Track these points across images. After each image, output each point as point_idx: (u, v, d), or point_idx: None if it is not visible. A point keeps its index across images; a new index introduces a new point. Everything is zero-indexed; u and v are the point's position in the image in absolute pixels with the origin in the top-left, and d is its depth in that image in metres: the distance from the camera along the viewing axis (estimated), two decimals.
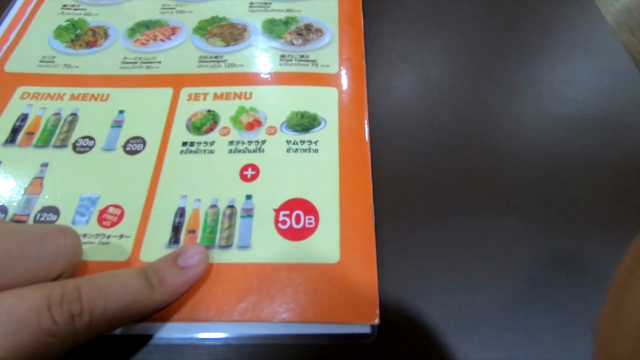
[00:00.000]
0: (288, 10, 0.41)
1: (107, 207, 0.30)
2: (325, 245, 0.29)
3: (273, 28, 0.40)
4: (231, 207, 0.31)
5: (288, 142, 0.33)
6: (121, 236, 0.29)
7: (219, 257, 0.29)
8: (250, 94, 0.36)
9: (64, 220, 0.30)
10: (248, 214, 0.30)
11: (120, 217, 0.30)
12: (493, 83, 0.38)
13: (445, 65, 0.39)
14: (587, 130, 0.36)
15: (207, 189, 0.31)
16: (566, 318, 0.27)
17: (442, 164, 0.34)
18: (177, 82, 0.37)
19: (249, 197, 0.31)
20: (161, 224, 0.30)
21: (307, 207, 0.30)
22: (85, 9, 0.42)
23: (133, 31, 0.40)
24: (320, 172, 0.32)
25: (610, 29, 0.42)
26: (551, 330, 0.27)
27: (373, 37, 0.41)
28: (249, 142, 0.33)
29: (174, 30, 0.40)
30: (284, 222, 0.30)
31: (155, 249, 0.29)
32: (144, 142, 0.33)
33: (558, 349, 0.26)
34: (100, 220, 0.30)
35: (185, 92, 0.36)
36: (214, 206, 0.31)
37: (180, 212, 0.30)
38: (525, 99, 0.38)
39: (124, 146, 0.33)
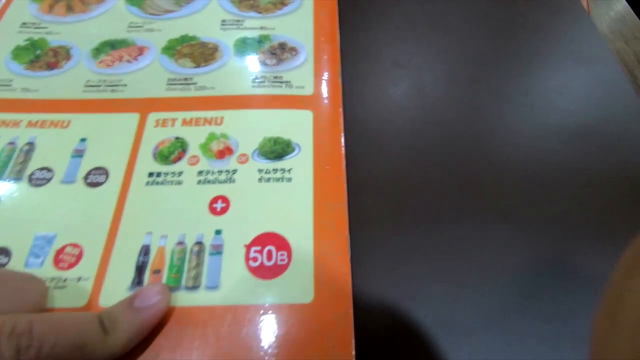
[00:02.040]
0: (262, 28, 0.40)
1: (64, 247, 0.28)
2: (298, 283, 0.27)
3: (246, 47, 0.38)
4: (199, 243, 0.29)
5: (260, 170, 0.32)
6: (79, 279, 0.27)
7: (186, 299, 0.27)
8: (221, 119, 0.34)
9: (16, 262, 0.28)
10: (217, 250, 0.28)
11: (79, 257, 0.28)
12: (480, 94, 0.37)
13: (426, 82, 0.38)
14: (577, 138, 0.35)
15: (174, 224, 0.29)
16: (555, 327, 0.27)
17: (424, 189, 0.33)
18: (143, 106, 0.35)
19: (218, 232, 0.29)
20: (124, 264, 0.28)
21: (280, 242, 0.29)
22: (46, 27, 0.40)
23: (97, 51, 0.38)
24: (293, 203, 0.30)
25: (602, 38, 0.42)
26: (541, 339, 0.27)
27: (350, 53, 0.39)
28: (219, 171, 0.32)
29: (141, 51, 0.38)
30: (255, 259, 0.28)
31: (116, 291, 0.27)
32: (106, 173, 0.31)
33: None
34: (57, 261, 0.28)
35: (152, 117, 0.34)
36: (181, 243, 0.29)
37: (145, 251, 0.28)
38: (515, 108, 0.36)
39: (85, 178, 0.31)
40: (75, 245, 0.28)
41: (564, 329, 0.27)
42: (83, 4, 0.42)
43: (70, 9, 0.41)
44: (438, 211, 0.32)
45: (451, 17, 0.43)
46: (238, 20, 0.40)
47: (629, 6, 0.43)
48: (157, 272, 0.28)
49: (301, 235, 0.29)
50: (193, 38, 0.39)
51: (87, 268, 0.28)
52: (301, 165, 0.32)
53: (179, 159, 0.32)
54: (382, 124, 0.36)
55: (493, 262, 0.30)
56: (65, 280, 0.27)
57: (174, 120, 0.34)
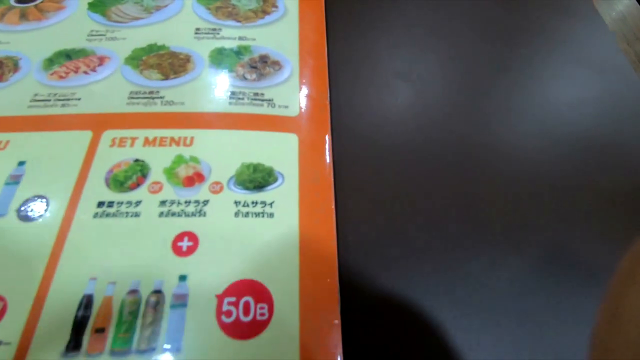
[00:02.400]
0: (241, 38, 0.35)
1: None
2: (281, 344, 0.22)
3: (222, 59, 0.34)
4: (158, 292, 0.23)
5: (237, 203, 0.26)
6: None
7: None
8: (192, 139, 0.29)
9: None
10: (181, 302, 0.23)
11: (1, 313, 0.22)
12: (483, 106, 0.33)
13: (426, 97, 0.34)
14: (574, 150, 0.32)
15: (127, 268, 0.24)
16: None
17: (425, 223, 0.28)
18: (98, 123, 0.29)
19: (183, 278, 0.24)
20: (58, 321, 0.22)
21: (259, 292, 0.23)
22: None
23: (50, 62, 0.33)
24: (276, 244, 0.25)
25: (614, 41, 0.39)
26: (534, 325, 0.25)
27: (339, 67, 0.35)
28: (186, 202, 0.26)
29: (101, 61, 0.33)
30: (228, 314, 0.23)
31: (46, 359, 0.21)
32: (46, 204, 0.26)
33: None
34: None
35: (107, 135, 0.29)
36: (133, 292, 0.23)
37: (87, 302, 0.23)
38: (523, 116, 0.33)
39: (18, 210, 0.25)
40: None
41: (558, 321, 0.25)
42: (39, 11, 0.37)
43: (24, 16, 0.36)
44: (441, 245, 0.27)
45: (450, 22, 0.39)
46: (214, 29, 0.36)
47: (630, 5, 0.41)
48: (100, 331, 0.22)
49: (285, 284, 0.24)
50: (162, 47, 0.34)
51: (9, 328, 0.22)
52: (285, 198, 0.27)
53: (137, 185, 0.27)
54: (376, 149, 0.31)
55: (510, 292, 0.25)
56: None
57: (133, 139, 0.29)
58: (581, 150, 0.33)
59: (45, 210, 0.25)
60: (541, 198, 0.30)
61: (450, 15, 0.40)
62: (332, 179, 0.28)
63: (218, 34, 0.35)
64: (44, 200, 0.26)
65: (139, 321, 0.22)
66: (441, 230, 0.28)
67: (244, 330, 0.22)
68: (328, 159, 0.29)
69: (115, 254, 0.24)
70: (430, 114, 0.34)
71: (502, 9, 0.41)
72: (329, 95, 0.33)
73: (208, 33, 0.35)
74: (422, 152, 0.31)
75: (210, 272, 0.24)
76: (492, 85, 0.36)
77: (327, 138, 0.30)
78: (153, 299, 0.23)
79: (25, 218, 0.25)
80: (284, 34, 0.36)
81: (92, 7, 0.37)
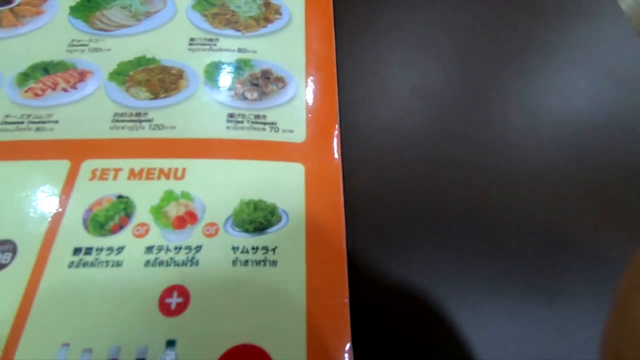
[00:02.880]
0: (240, 50, 0.31)
1: None
2: None
3: (219, 75, 0.30)
4: None
5: (235, 249, 0.23)
6: None
7: None
8: (183, 171, 0.25)
9: None
10: None
11: None
12: (494, 116, 0.30)
13: (444, 115, 0.30)
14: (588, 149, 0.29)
15: (105, 331, 0.20)
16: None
17: (446, 263, 0.25)
18: (77, 151, 0.26)
19: (171, 343, 0.20)
20: None
21: None
22: None
23: (25, 77, 0.29)
24: (279, 299, 0.22)
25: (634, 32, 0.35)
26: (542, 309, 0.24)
27: (349, 87, 0.31)
28: (176, 248, 0.23)
29: (82, 76, 0.29)
30: None
31: None
32: (13, 250, 0.22)
33: None
34: None
35: (87, 166, 0.25)
36: None
37: None
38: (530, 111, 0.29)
39: None
40: None
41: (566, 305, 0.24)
42: (15, 16, 0.33)
43: None
44: (461, 285, 0.24)
45: (466, 27, 0.35)
46: (210, 40, 0.32)
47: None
48: None
49: (290, 349, 0.20)
50: (151, 60, 0.30)
51: None
52: (290, 242, 0.23)
53: (120, 227, 0.23)
54: (392, 180, 0.28)
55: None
56: None
57: (117, 171, 0.25)
58: (608, 154, 0.29)
59: (13, 259, 0.22)
60: (559, 196, 0.27)
61: (466, 20, 0.36)
62: (344, 219, 0.25)
63: (215, 45, 0.31)
64: (12, 245, 0.22)
65: None
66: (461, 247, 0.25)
67: None
68: (339, 191, 0.26)
69: (93, 313, 0.21)
70: (451, 137, 0.30)
71: (519, 14, 0.37)
72: (338, 117, 0.29)
73: (204, 44, 0.31)
74: (441, 188, 0.28)
75: (203, 336, 0.20)
76: (505, 87, 0.32)
77: (339, 165, 0.27)
78: None
79: None
80: (288, 45, 0.32)
81: (73, 12, 0.33)
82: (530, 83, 0.33)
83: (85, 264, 0.22)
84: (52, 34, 0.32)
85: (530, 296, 0.24)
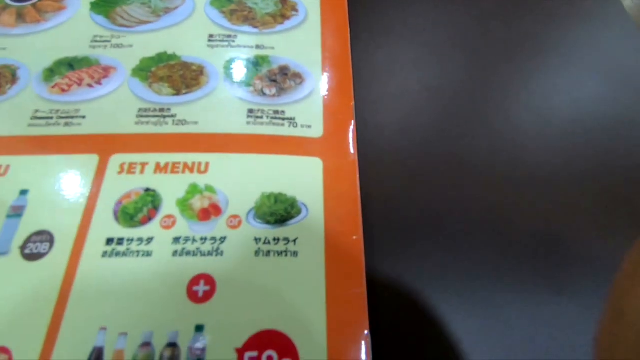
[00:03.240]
0: (258, 47, 0.32)
1: None
2: None
3: (238, 71, 0.31)
4: (173, 346, 0.21)
5: (257, 240, 0.24)
6: None
7: None
8: (206, 165, 0.27)
9: None
10: (198, 356, 0.21)
11: None
12: (513, 118, 0.31)
13: (460, 109, 0.31)
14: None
15: (139, 317, 0.22)
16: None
17: (467, 261, 0.26)
18: (105, 146, 0.27)
19: (199, 328, 0.22)
20: None
21: (283, 345, 0.21)
22: None
23: (51, 72, 0.30)
24: (301, 288, 0.23)
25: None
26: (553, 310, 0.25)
27: (364, 84, 0.32)
28: (202, 239, 0.24)
29: (106, 72, 0.30)
30: None
31: None
32: (51, 240, 0.24)
33: None
34: None
35: (115, 160, 0.27)
36: (146, 345, 0.21)
37: (97, 355, 0.21)
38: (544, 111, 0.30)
39: (23, 247, 0.23)
40: (2, 350, 0.21)
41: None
42: (38, 11, 0.34)
43: (21, 17, 0.33)
44: (487, 285, 0.25)
45: (479, 29, 0.36)
46: (229, 36, 0.33)
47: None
48: None
49: (311, 337, 0.22)
50: (172, 57, 0.31)
51: None
52: (310, 233, 0.24)
53: (148, 219, 0.25)
54: (409, 173, 0.29)
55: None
56: None
57: (144, 165, 0.26)
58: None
59: (51, 248, 0.23)
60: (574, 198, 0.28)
61: (479, 19, 0.37)
62: (361, 211, 0.26)
63: (233, 41, 0.32)
64: (49, 236, 0.24)
65: None
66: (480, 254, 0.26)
67: None
68: (356, 185, 0.27)
69: (127, 299, 0.22)
70: (470, 132, 0.31)
71: (530, 14, 0.37)
72: (354, 112, 0.30)
73: (223, 40, 0.32)
74: (456, 184, 0.29)
75: (229, 322, 0.22)
76: (521, 87, 0.33)
77: (355, 160, 0.28)
78: (167, 353, 0.21)
79: (29, 257, 0.23)
80: (305, 42, 0.33)
81: (95, 7, 0.34)
82: (546, 82, 0.34)
83: (117, 254, 0.23)
84: (74, 29, 0.33)
85: (547, 294, 0.25)
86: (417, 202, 0.28)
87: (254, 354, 0.21)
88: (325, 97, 0.30)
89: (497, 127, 0.31)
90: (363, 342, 0.22)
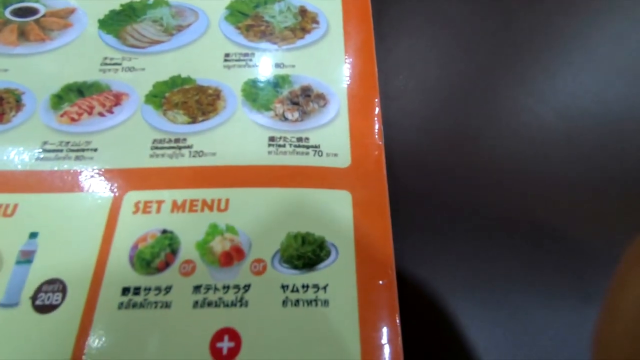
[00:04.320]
0: (277, 65, 0.30)
1: None
2: None
3: (258, 93, 0.29)
4: None
5: (284, 287, 0.22)
6: None
7: None
8: (227, 202, 0.25)
9: None
10: None
11: None
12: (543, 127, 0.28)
13: (493, 141, 0.29)
14: None
15: None
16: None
17: (503, 265, 0.24)
18: (119, 182, 0.25)
19: None
20: None
21: None
22: None
23: (59, 99, 0.29)
24: (332, 341, 0.21)
25: None
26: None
27: (392, 101, 0.30)
28: (224, 287, 0.22)
29: (118, 99, 0.29)
30: None
31: None
32: (63, 290, 0.22)
33: None
34: None
35: (130, 199, 0.25)
36: None
37: None
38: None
39: (34, 298, 0.22)
40: None
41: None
42: (42, 29, 0.32)
43: (23, 35, 0.32)
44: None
45: (514, 38, 0.33)
46: (246, 54, 0.30)
47: None
48: None
49: None
50: (187, 80, 0.29)
51: None
52: (341, 279, 0.22)
53: (166, 265, 0.23)
54: (444, 205, 0.26)
55: None
56: None
57: (160, 203, 0.25)
58: None
59: (64, 299, 0.22)
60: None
61: (509, 22, 0.34)
62: (393, 252, 0.23)
63: (251, 60, 0.30)
64: (61, 285, 0.22)
65: None
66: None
67: None
68: (387, 222, 0.24)
69: (144, 357, 0.20)
70: (499, 149, 0.28)
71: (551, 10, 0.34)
72: (383, 137, 0.27)
73: (239, 60, 0.30)
74: (489, 200, 0.26)
75: None
76: (545, 84, 0.30)
77: (385, 194, 0.25)
78: None
79: (41, 309, 0.22)
80: (327, 58, 0.30)
81: (103, 25, 0.32)
82: (570, 78, 0.31)
83: (134, 305, 0.22)
84: (83, 50, 0.31)
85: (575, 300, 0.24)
86: (454, 233, 0.25)
87: None
88: (352, 120, 0.28)
89: (526, 128, 0.29)
90: None
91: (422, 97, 0.30)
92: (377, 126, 0.28)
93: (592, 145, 0.29)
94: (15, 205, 0.24)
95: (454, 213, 0.26)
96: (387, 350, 0.21)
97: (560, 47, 0.33)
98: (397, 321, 0.22)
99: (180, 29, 0.31)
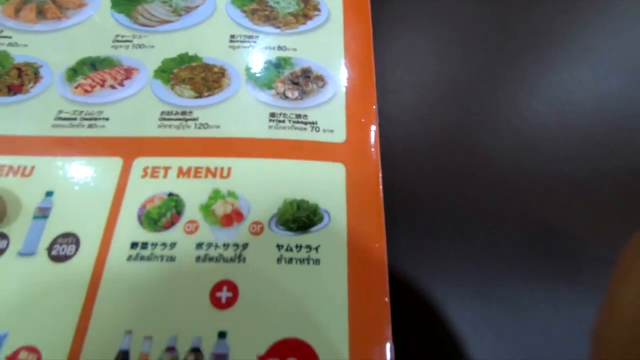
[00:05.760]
0: (280, 48, 0.32)
1: (16, 352, 0.21)
2: None
3: (261, 73, 0.31)
4: (196, 351, 0.22)
5: (279, 247, 0.24)
6: None
7: None
8: (229, 170, 0.27)
9: None
10: None
11: None
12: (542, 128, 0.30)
13: (491, 119, 0.31)
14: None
15: (163, 321, 0.22)
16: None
17: (498, 277, 0.26)
18: (128, 149, 0.27)
19: (222, 335, 0.22)
20: None
21: (305, 353, 0.22)
22: (10, 37, 0.32)
23: (74, 72, 0.30)
24: (323, 297, 0.23)
25: None
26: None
27: (388, 84, 0.32)
28: (224, 245, 0.24)
29: (128, 73, 0.30)
30: None
31: None
32: (76, 243, 0.24)
33: None
34: None
35: (139, 164, 0.27)
36: (171, 349, 0.22)
37: (122, 358, 0.21)
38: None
39: (49, 249, 0.24)
40: (31, 349, 0.21)
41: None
42: (58, 8, 0.34)
43: (41, 13, 0.33)
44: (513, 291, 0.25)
45: (513, 35, 0.35)
46: (250, 37, 0.32)
47: None
48: None
49: (333, 344, 0.22)
50: (194, 58, 0.31)
51: None
52: (332, 241, 0.24)
53: (172, 224, 0.25)
54: (434, 182, 0.28)
55: None
56: None
57: (167, 169, 0.27)
58: None
59: (77, 250, 0.24)
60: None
61: (506, 15, 0.36)
62: (384, 218, 0.26)
63: (255, 42, 0.32)
64: (75, 238, 0.24)
65: None
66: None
67: None
68: (379, 192, 0.27)
69: (151, 304, 0.23)
70: (494, 138, 0.30)
71: (553, 7, 0.36)
72: (377, 116, 0.29)
73: (244, 41, 0.32)
74: (481, 188, 0.29)
75: (252, 329, 0.22)
76: (545, 80, 0.32)
77: (377, 168, 0.27)
78: (191, 358, 0.21)
79: (56, 258, 0.24)
80: (327, 43, 0.32)
81: (115, 5, 0.34)
82: (567, 75, 0.33)
83: (142, 258, 0.24)
84: (96, 28, 0.33)
85: (570, 293, 0.25)
86: (441, 207, 0.27)
87: None
88: (348, 101, 0.30)
89: (527, 123, 0.31)
90: (386, 352, 0.22)
91: (420, 91, 0.32)
92: (372, 106, 0.30)
93: (590, 143, 0.30)
94: (33, 167, 0.26)
95: (448, 205, 0.28)
96: (374, 306, 0.23)
97: (558, 41, 0.35)
98: (386, 281, 0.24)
99: (188, 10, 0.33)
